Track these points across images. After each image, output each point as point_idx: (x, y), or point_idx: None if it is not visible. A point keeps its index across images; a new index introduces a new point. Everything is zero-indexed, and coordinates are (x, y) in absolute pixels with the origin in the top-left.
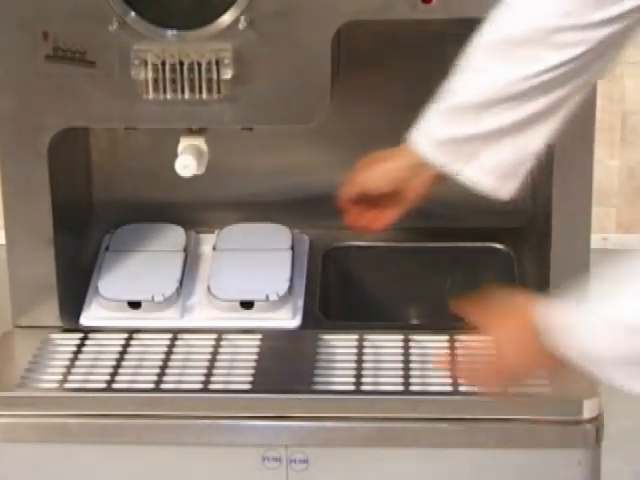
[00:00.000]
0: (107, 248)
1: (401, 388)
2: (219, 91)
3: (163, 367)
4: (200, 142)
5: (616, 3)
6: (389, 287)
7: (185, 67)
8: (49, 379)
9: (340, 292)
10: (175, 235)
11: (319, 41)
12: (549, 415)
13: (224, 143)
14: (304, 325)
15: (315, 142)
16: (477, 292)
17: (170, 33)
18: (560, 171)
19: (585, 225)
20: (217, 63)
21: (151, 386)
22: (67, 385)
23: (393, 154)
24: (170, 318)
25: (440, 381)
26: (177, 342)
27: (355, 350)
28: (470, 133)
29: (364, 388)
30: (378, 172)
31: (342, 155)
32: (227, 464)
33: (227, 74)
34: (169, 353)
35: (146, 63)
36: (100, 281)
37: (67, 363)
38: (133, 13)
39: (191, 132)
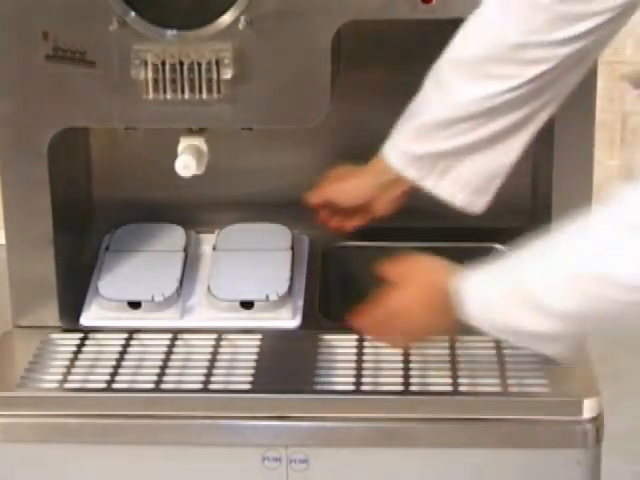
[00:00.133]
0: (107, 248)
1: (401, 388)
2: (219, 91)
3: (163, 367)
4: (200, 142)
5: (579, 21)
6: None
7: (185, 67)
8: (49, 379)
9: (340, 292)
10: (175, 235)
11: (319, 41)
12: (549, 415)
13: (224, 143)
14: (304, 325)
15: (315, 142)
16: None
17: (170, 33)
18: (560, 171)
19: None
20: (217, 63)
21: (151, 386)
22: (67, 385)
23: (363, 170)
24: (170, 318)
25: (440, 381)
26: (177, 342)
27: (355, 350)
28: (443, 149)
29: (364, 388)
30: (347, 187)
31: (342, 155)
32: (227, 464)
33: (227, 74)
34: (169, 353)
35: (146, 63)
36: (100, 281)
37: (67, 363)
38: (133, 13)
39: (191, 132)
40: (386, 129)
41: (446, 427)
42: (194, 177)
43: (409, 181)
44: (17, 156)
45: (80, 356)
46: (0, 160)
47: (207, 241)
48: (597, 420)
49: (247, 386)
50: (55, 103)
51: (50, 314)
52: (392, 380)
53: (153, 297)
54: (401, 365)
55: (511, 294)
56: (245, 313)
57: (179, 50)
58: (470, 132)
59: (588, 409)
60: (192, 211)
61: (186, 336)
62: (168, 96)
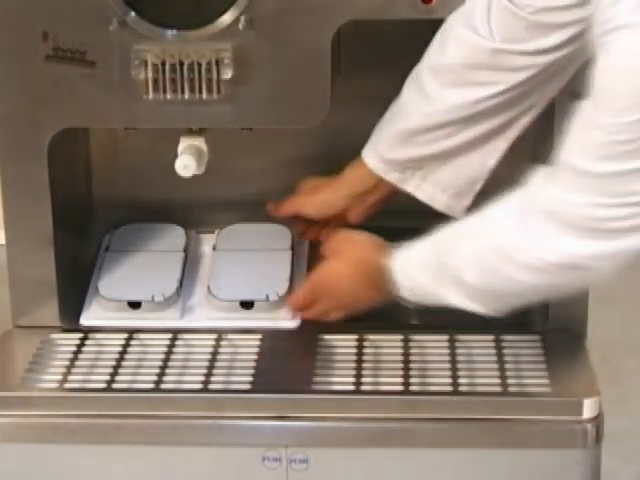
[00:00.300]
0: (107, 248)
1: (401, 388)
2: (219, 91)
3: (163, 367)
4: (200, 142)
5: (558, 30)
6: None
7: (185, 67)
8: (49, 379)
9: None
10: (175, 235)
11: (319, 41)
12: (549, 415)
13: (224, 143)
14: (304, 325)
15: (315, 142)
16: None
17: (170, 33)
18: None
19: None
20: (217, 63)
21: (151, 386)
22: (67, 385)
23: (337, 181)
24: (170, 318)
25: (440, 381)
26: (177, 342)
27: (355, 350)
28: (424, 154)
29: (364, 388)
30: (319, 199)
31: (342, 155)
32: (227, 464)
33: (227, 74)
34: (169, 353)
35: (146, 63)
36: (100, 281)
37: (67, 363)
38: (133, 13)
39: (191, 132)
40: None
41: (446, 427)
42: (194, 177)
43: (385, 189)
44: (17, 156)
45: (80, 356)
46: (0, 160)
47: (207, 241)
48: (597, 420)
49: (247, 386)
50: (55, 103)
51: (50, 314)
52: (392, 380)
53: (153, 297)
54: (401, 365)
55: (430, 266)
56: (245, 313)
57: (179, 50)
58: (449, 138)
59: (588, 409)
60: (192, 211)
61: (186, 336)
62: (168, 96)
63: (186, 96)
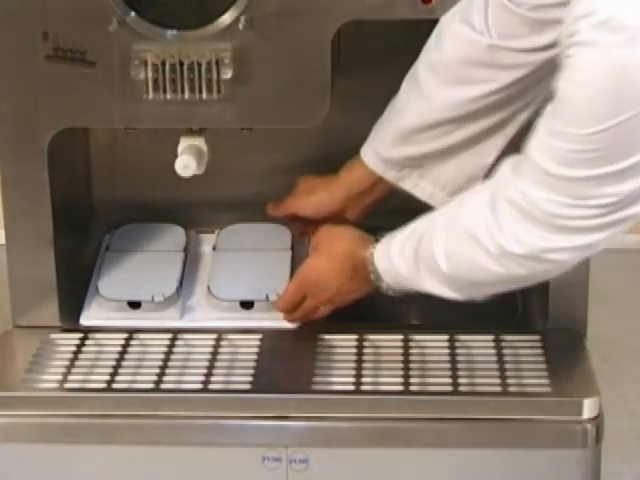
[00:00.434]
0: (107, 248)
1: (401, 388)
2: (219, 91)
3: (163, 367)
4: (200, 142)
5: (553, 28)
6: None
7: (185, 67)
8: (49, 379)
9: None
10: (175, 235)
11: (319, 41)
12: (549, 415)
13: (224, 143)
14: (304, 325)
15: (315, 142)
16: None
17: (170, 33)
18: None
19: None
20: (217, 63)
21: (151, 386)
22: (67, 385)
23: (333, 181)
24: (170, 318)
25: (440, 381)
26: (177, 342)
27: (355, 350)
28: (422, 152)
29: (364, 388)
30: (315, 201)
31: (342, 155)
32: (227, 464)
33: (227, 74)
34: (169, 353)
35: (146, 63)
36: (100, 281)
37: (67, 363)
38: (133, 13)
39: (191, 132)
40: None
41: (446, 427)
42: (194, 177)
43: (382, 189)
44: (17, 156)
45: (80, 356)
46: (0, 160)
47: (207, 241)
48: (597, 420)
49: (247, 386)
50: (55, 103)
51: (50, 314)
52: (392, 380)
53: (153, 297)
54: (401, 365)
55: (410, 255)
56: (245, 313)
57: (179, 50)
58: (447, 135)
59: (588, 409)
60: (192, 211)
61: (186, 336)
62: (168, 96)
63: (186, 96)
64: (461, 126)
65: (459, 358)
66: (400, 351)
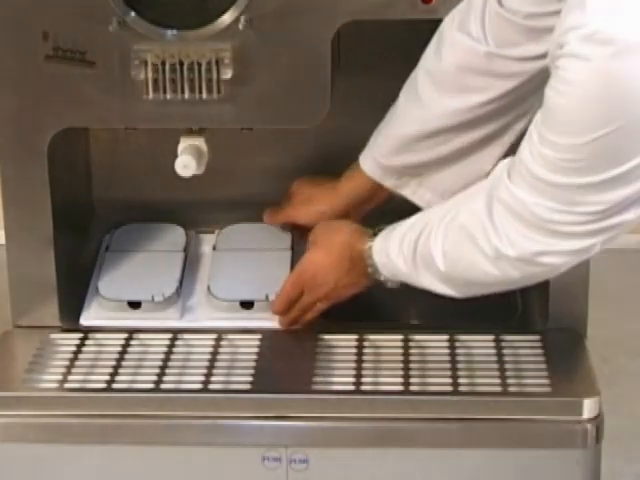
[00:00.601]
0: (107, 248)
1: (401, 388)
2: (219, 91)
3: (163, 367)
4: (200, 142)
5: (548, 36)
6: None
7: (185, 67)
8: (49, 379)
9: None
10: (175, 235)
11: (319, 41)
12: (549, 415)
13: (224, 143)
14: (304, 325)
15: (315, 142)
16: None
17: (170, 33)
18: None
19: None
20: (217, 63)
21: (151, 386)
22: (67, 385)
23: (330, 193)
24: (170, 318)
25: (440, 381)
26: (177, 342)
27: (355, 350)
28: (421, 160)
29: (364, 388)
30: (314, 211)
31: (342, 155)
32: (227, 464)
33: (227, 74)
34: (169, 353)
35: (146, 63)
36: (100, 281)
37: (67, 363)
38: (133, 13)
39: (191, 132)
40: None
41: (446, 427)
42: (194, 177)
43: (381, 197)
44: (17, 156)
45: (80, 356)
46: (0, 160)
47: (207, 241)
48: (597, 420)
49: (247, 386)
50: (55, 103)
51: (50, 314)
52: (392, 380)
53: (153, 297)
54: (401, 365)
55: (408, 251)
56: (245, 313)
57: (179, 50)
58: (446, 144)
59: (588, 409)
60: (192, 211)
61: (186, 336)
62: (168, 96)
63: (186, 96)
64: (459, 135)
65: (459, 358)
66: (400, 351)
